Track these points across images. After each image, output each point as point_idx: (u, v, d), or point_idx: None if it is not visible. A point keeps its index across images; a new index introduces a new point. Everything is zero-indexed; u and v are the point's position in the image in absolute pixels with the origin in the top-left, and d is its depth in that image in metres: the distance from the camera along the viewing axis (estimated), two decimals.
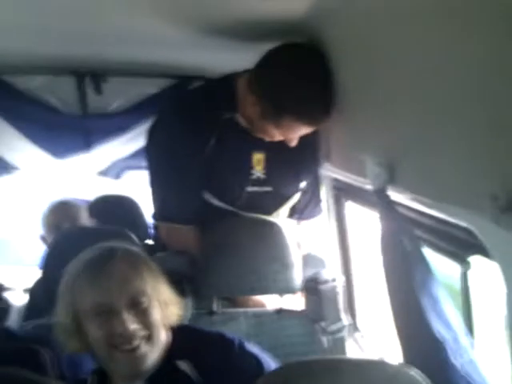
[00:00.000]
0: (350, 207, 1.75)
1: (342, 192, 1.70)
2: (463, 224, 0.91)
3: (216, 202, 1.59)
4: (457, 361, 0.92)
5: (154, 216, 1.67)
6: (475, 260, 1.03)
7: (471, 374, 0.92)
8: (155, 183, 1.63)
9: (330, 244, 1.84)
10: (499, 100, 0.75)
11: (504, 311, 0.84)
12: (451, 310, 1.00)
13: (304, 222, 1.78)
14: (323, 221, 1.84)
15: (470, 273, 1.05)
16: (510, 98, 0.73)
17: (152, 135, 1.63)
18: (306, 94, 1.38)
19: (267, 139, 1.52)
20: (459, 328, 0.98)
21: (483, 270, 1.06)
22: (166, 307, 1.12)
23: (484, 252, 0.89)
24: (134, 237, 1.65)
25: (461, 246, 1.03)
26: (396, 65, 1.04)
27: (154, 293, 1.10)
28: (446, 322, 0.98)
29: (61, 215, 2.03)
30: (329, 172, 1.65)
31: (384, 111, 1.13)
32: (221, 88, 1.56)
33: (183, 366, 1.09)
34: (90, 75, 2.44)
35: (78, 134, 2.54)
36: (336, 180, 1.68)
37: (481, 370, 0.93)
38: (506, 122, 0.74)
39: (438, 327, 0.96)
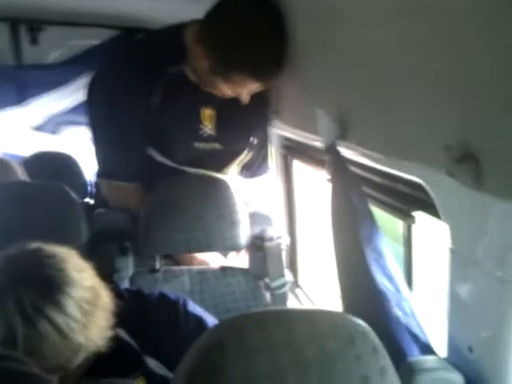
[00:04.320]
0: (298, 166, 1.75)
1: (291, 150, 1.69)
2: (412, 179, 0.92)
3: (162, 158, 1.55)
4: (397, 311, 0.95)
5: (98, 174, 1.62)
6: (420, 216, 1.05)
7: (410, 324, 0.95)
8: (97, 140, 1.57)
9: (276, 202, 1.84)
10: (452, 53, 0.76)
11: (447, 266, 0.87)
12: (394, 264, 1.03)
13: (251, 180, 1.77)
14: (271, 179, 1.84)
15: (413, 227, 1.08)
16: (463, 49, 0.73)
17: (93, 89, 1.56)
18: (257, 50, 1.34)
19: (217, 94, 1.49)
20: (400, 281, 1.00)
21: (427, 225, 1.09)
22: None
23: (430, 208, 0.91)
24: (72, 195, 1.59)
25: (407, 202, 1.05)
26: (352, 19, 1.03)
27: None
28: (389, 275, 1.00)
29: None
30: (278, 129, 1.64)
31: (337, 66, 1.12)
32: (167, 39, 1.50)
33: (122, 334, 1.01)
34: (25, 23, 2.29)
35: (12, 86, 2.41)
36: (285, 138, 1.67)
37: (419, 320, 0.97)
38: (461, 74, 0.74)
39: (380, 279, 0.99)
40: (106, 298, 0.92)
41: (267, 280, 1.51)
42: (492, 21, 0.68)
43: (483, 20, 0.70)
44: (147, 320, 1.06)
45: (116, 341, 0.96)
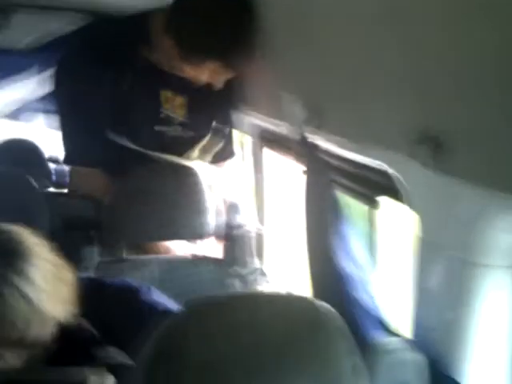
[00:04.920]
0: (268, 153, 1.74)
1: (262, 137, 1.68)
2: (379, 165, 0.92)
3: (126, 143, 1.53)
4: (361, 294, 0.96)
5: (64, 160, 1.61)
6: (385, 201, 1.06)
7: (374, 307, 0.96)
8: (63, 125, 1.55)
9: (245, 189, 1.83)
10: (410, 40, 0.76)
11: (412, 251, 0.87)
12: (359, 249, 1.03)
13: (219, 166, 1.75)
14: (239, 165, 1.82)
15: (378, 212, 1.08)
16: (425, 33, 0.73)
17: (58, 75, 1.53)
18: (227, 36, 1.32)
19: (181, 76, 1.46)
20: (366, 265, 1.01)
21: (391, 211, 1.10)
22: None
23: (395, 193, 0.91)
24: (33, 183, 1.55)
25: (372, 188, 1.05)
26: (322, 7, 1.02)
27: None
28: (354, 260, 1.01)
29: None
30: (248, 116, 1.62)
31: (306, 51, 1.11)
32: (133, 26, 1.47)
33: (83, 322, 0.97)
34: None
35: None
36: (255, 125, 1.65)
37: (383, 302, 0.98)
38: (421, 58, 0.75)
39: (346, 264, 0.99)
40: (68, 272, 0.91)
41: (237, 268, 1.50)
42: (447, 10, 0.68)
43: (439, 9, 0.70)
44: (108, 308, 1.04)
45: (77, 330, 0.94)
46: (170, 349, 0.70)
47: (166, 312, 1.06)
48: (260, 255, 1.78)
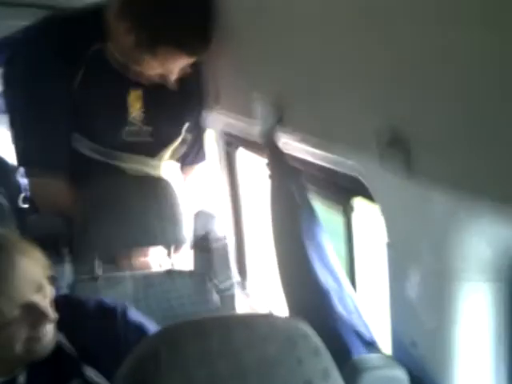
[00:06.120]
0: (242, 155, 1.69)
1: (234, 138, 1.62)
2: (348, 164, 0.90)
3: (89, 145, 1.47)
4: (340, 309, 0.93)
5: (17, 163, 1.54)
6: (359, 204, 1.03)
7: (354, 322, 0.93)
8: (16, 125, 1.47)
9: (220, 197, 1.79)
10: (382, 40, 0.74)
11: (384, 255, 0.85)
12: (335, 260, 1.01)
13: (190, 169, 1.70)
14: (211, 170, 1.78)
15: (353, 216, 1.06)
16: (396, 35, 0.72)
17: (8, 70, 1.47)
18: (181, 20, 1.30)
19: (146, 75, 1.42)
20: (343, 277, 0.99)
21: (366, 213, 1.08)
22: None
23: (367, 194, 0.89)
24: (2, 198, 1.50)
25: (344, 190, 1.03)
26: (288, 4, 1.00)
27: None
28: (331, 271, 0.98)
29: None
30: (219, 116, 1.58)
31: (274, 51, 1.10)
32: (87, 18, 1.42)
33: (61, 339, 0.99)
34: None
35: None
36: (227, 125, 1.61)
37: (363, 317, 0.95)
38: (392, 59, 0.73)
39: (323, 277, 0.96)
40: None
41: (215, 281, 1.47)
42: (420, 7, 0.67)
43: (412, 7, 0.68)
44: (84, 328, 1.03)
45: (55, 347, 0.96)
46: (143, 375, 0.69)
47: (143, 332, 1.05)
48: (240, 268, 1.75)
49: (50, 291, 0.96)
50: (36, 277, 0.94)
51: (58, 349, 0.97)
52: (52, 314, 0.94)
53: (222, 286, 1.48)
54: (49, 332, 0.94)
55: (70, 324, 1.01)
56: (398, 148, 0.71)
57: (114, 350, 0.99)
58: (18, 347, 0.91)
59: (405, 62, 0.71)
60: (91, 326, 1.03)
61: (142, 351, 0.72)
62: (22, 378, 0.95)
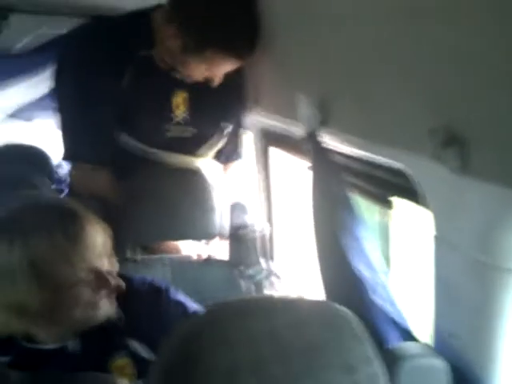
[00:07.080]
0: (276, 153, 1.71)
1: (269, 138, 1.66)
2: (393, 165, 0.90)
3: (133, 142, 1.51)
4: (376, 298, 0.94)
5: (64, 157, 1.57)
6: (399, 203, 1.04)
7: (390, 310, 0.94)
8: (65, 123, 1.52)
9: (254, 190, 1.82)
10: (436, 36, 0.74)
11: (430, 252, 0.85)
12: (373, 251, 1.01)
13: (226, 167, 1.74)
14: (248, 166, 1.81)
15: (391, 213, 1.06)
16: (451, 32, 0.71)
17: (60, 72, 1.50)
18: (231, 24, 1.32)
19: (189, 77, 1.45)
20: (380, 267, 0.99)
21: (406, 212, 1.08)
22: None
23: (411, 193, 0.89)
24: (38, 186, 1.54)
25: (384, 188, 1.03)
26: (333, 3, 1.00)
27: None
28: (367, 261, 0.99)
29: None
30: (257, 116, 1.60)
31: (317, 51, 1.10)
32: (134, 23, 1.46)
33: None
34: None
35: None
36: (263, 125, 1.63)
37: (399, 306, 0.96)
38: (445, 56, 0.73)
39: (359, 266, 0.97)
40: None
41: (249, 271, 1.49)
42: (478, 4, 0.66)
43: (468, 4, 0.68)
44: (131, 303, 1.05)
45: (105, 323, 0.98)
46: (186, 354, 0.69)
47: (185, 310, 1.08)
48: (269, 255, 1.77)
49: (114, 262, 1.00)
50: (104, 245, 0.97)
51: (107, 320, 0.99)
52: (115, 282, 0.97)
53: (251, 274, 1.50)
54: (108, 301, 0.97)
55: (119, 298, 1.03)
56: (454, 147, 0.71)
57: (157, 325, 1.02)
58: (78, 311, 0.93)
59: (460, 61, 0.71)
60: (138, 301, 1.07)
61: (186, 330, 0.72)
62: (72, 346, 0.98)
